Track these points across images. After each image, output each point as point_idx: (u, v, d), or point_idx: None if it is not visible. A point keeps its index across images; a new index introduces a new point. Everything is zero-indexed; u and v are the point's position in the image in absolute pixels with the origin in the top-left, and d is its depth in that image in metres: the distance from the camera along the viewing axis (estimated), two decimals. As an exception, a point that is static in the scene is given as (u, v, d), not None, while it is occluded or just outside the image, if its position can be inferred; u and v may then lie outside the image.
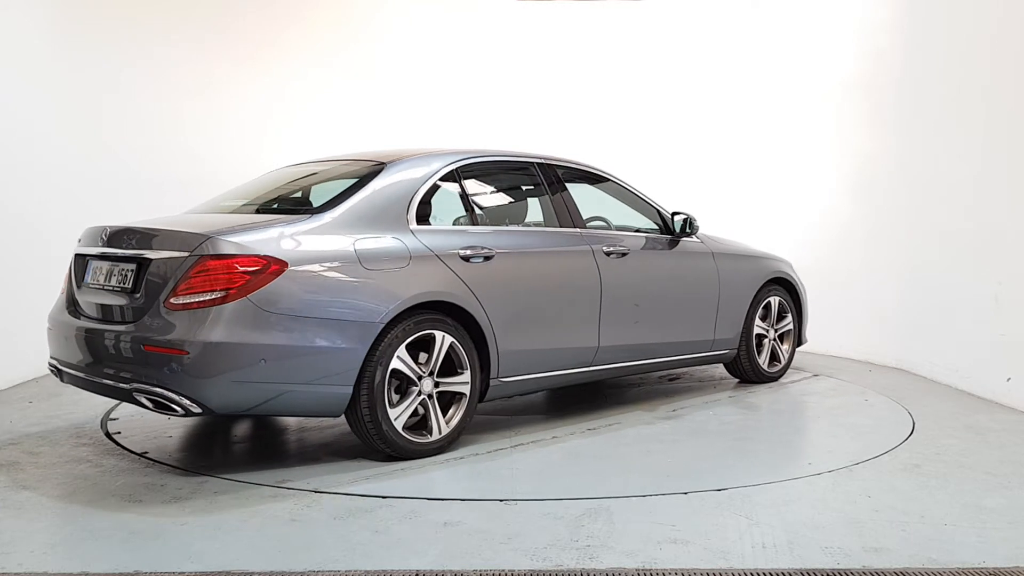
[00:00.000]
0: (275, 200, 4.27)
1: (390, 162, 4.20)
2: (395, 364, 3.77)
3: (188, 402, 3.39)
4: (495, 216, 4.73)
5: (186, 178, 7.04)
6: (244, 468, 3.78)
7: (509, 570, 2.69)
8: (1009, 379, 5.14)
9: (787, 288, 5.92)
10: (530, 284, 4.36)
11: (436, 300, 3.93)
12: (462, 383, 4.03)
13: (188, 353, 3.35)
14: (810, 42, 7.75)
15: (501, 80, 8.09)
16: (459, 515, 3.17)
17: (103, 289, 3.84)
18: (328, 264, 3.67)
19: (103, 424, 4.62)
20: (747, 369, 5.69)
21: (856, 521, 3.14)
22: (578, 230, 4.71)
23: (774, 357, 5.87)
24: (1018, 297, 5.07)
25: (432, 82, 8.05)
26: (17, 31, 6.03)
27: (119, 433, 4.41)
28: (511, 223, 4.76)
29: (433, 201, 4.21)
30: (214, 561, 2.74)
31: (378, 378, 3.71)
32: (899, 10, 6.54)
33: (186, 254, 3.50)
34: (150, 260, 3.62)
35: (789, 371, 6.07)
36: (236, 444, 4.37)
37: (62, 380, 4.00)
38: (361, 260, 3.75)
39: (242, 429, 4.59)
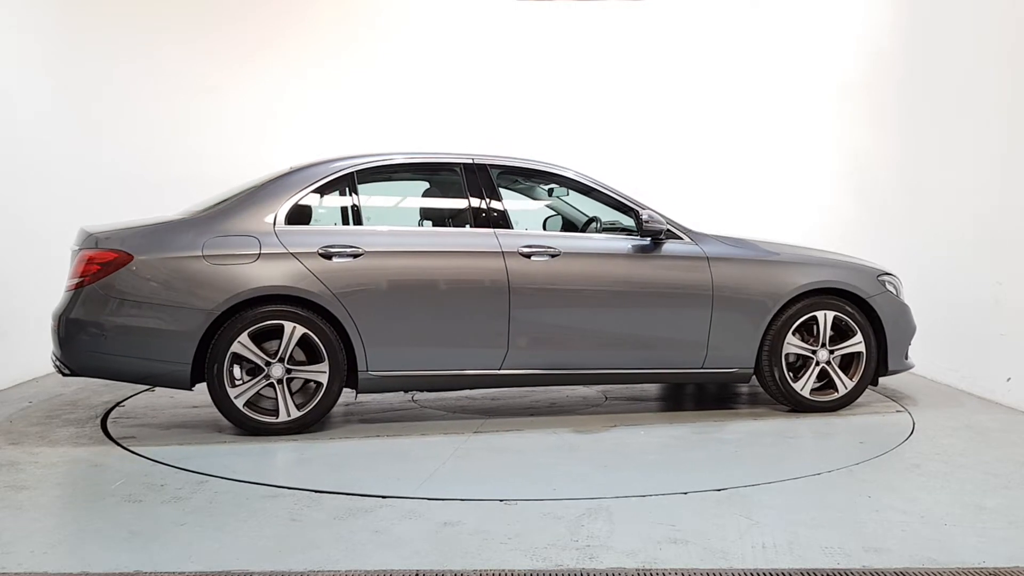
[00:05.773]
0: (218, 202, 4.49)
1: (295, 168, 4.60)
2: (236, 349, 4.21)
3: (62, 365, 4.25)
4: (385, 217, 4.85)
5: (186, 178, 7.03)
6: (244, 468, 3.78)
7: (509, 570, 2.69)
8: (1009, 379, 5.14)
9: (857, 302, 4.93)
10: (407, 282, 4.42)
11: (283, 293, 4.25)
12: (318, 372, 4.31)
13: (56, 325, 4.23)
14: (810, 42, 7.75)
15: (501, 80, 8.09)
16: (459, 515, 3.17)
17: None
18: (173, 258, 4.20)
19: (103, 424, 4.62)
20: (777, 394, 4.88)
21: (856, 521, 3.14)
22: (491, 230, 4.59)
23: (829, 384, 4.92)
24: (1018, 297, 5.07)
25: (432, 82, 8.05)
26: (16, 31, 6.03)
27: (120, 434, 4.42)
28: (406, 223, 4.87)
29: (320, 203, 4.60)
30: (214, 561, 2.74)
31: (218, 360, 4.19)
32: (900, 10, 6.54)
33: (79, 248, 4.29)
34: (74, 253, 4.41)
35: (861, 401, 4.99)
36: (236, 444, 4.37)
37: None
38: (206, 256, 4.21)
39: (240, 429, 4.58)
